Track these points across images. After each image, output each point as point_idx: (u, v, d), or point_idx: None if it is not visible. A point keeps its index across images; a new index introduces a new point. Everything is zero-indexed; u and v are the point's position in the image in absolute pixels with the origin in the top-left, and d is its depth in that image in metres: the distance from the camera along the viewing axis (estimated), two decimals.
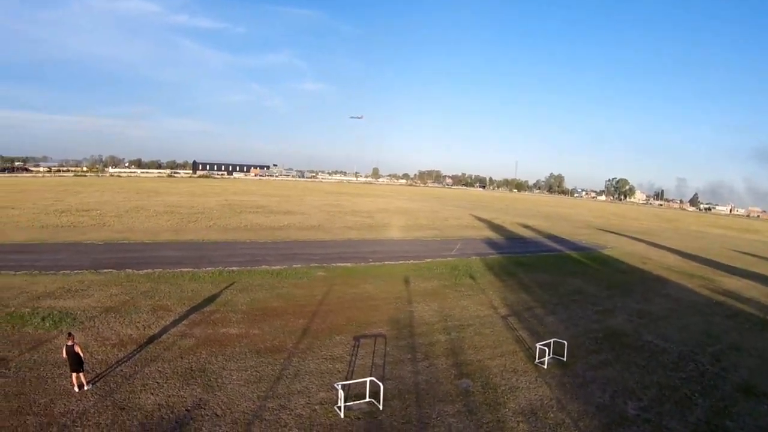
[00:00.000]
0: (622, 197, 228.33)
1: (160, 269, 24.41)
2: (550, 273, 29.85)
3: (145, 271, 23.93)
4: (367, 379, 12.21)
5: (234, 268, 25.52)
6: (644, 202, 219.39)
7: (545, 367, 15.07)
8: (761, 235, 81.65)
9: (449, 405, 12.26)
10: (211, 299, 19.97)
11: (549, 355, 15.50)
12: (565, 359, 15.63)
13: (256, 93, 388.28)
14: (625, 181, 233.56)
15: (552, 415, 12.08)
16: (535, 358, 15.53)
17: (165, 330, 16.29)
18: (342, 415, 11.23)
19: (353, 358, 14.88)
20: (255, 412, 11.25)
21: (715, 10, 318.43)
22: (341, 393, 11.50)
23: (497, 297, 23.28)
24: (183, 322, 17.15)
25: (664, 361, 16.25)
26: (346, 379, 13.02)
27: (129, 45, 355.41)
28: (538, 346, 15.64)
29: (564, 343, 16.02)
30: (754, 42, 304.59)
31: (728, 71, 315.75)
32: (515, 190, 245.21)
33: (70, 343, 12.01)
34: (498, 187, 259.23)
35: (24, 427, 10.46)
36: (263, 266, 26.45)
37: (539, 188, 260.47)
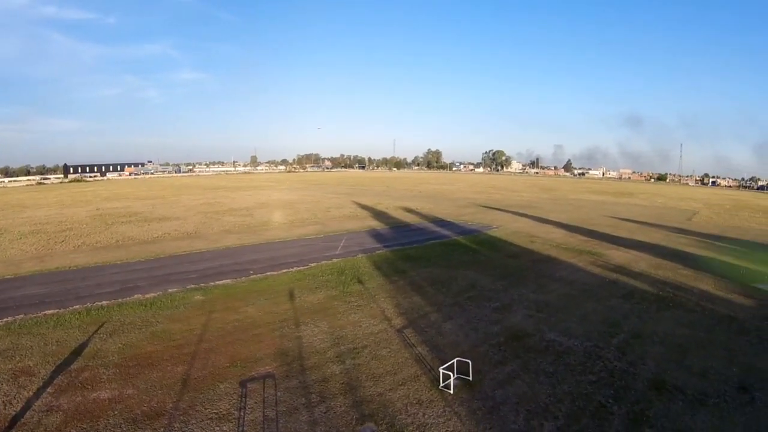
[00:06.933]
0: (500, 168, 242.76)
1: (22, 315, 19.42)
2: (441, 266, 28.35)
3: (4, 320, 18.89)
4: None
5: (103, 303, 20.98)
6: (520, 171, 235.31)
7: (451, 391, 13.10)
8: (636, 198, 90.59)
9: None
10: (78, 351, 15.97)
11: (454, 376, 13.52)
12: (471, 378, 13.78)
13: (130, 85, 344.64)
14: (501, 152, 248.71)
15: None
16: (439, 381, 13.50)
17: (28, 405, 12.86)
18: None
19: (242, 413, 12.11)
20: None
21: None
22: None
23: (389, 304, 21.08)
24: (48, 390, 13.58)
25: (571, 363, 15.10)
26: None
27: None
28: (441, 370, 13.58)
29: (468, 362, 14.15)
30: (623, 21, 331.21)
31: (603, 45, 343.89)
32: (395, 169, 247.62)
33: None
34: (378, 167, 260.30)
35: None
36: (136, 295, 22.03)
37: (418, 165, 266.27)
